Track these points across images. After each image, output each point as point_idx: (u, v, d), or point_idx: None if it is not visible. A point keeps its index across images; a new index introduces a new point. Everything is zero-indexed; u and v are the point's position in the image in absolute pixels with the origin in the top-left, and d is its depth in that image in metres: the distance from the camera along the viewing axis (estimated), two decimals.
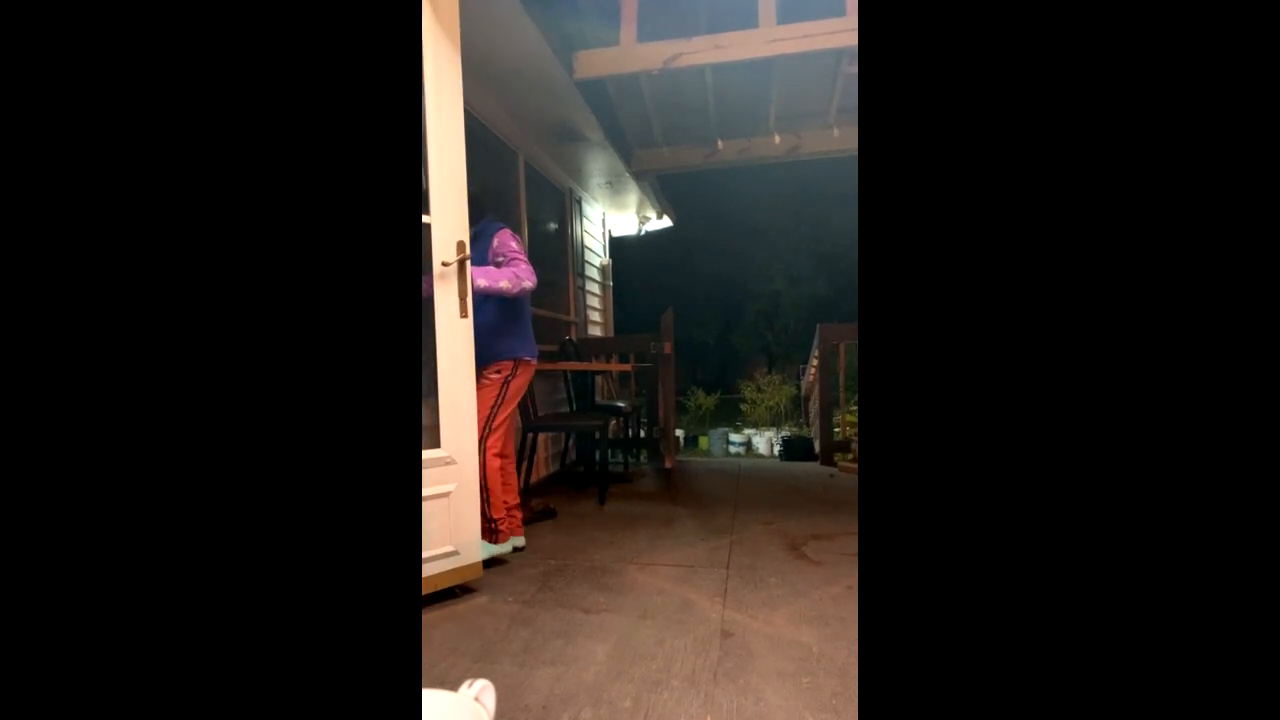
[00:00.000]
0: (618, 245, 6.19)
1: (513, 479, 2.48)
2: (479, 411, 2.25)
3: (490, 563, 2.25)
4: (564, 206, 4.62)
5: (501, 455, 2.42)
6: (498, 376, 2.30)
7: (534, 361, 2.42)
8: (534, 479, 3.54)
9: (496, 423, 2.30)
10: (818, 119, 4.15)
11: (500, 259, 2.21)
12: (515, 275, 2.18)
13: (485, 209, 2.37)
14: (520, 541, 2.41)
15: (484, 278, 2.11)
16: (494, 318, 2.33)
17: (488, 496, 2.25)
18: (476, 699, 0.88)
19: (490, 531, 2.27)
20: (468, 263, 1.95)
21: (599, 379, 4.54)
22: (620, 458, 4.32)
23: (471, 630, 1.71)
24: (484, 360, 2.31)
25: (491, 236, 2.25)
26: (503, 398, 2.31)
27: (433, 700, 0.86)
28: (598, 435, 3.24)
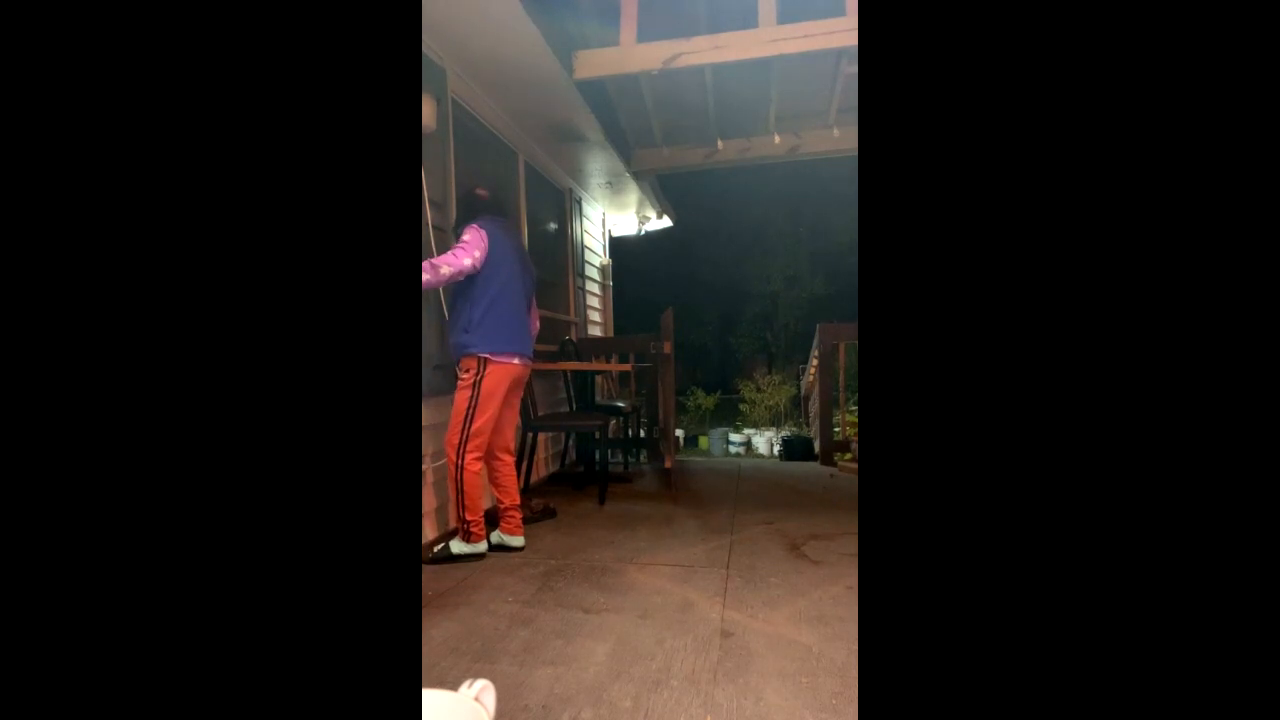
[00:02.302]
0: (618, 245, 6.18)
1: (512, 480, 2.46)
2: (455, 417, 2.26)
3: (475, 560, 2.27)
4: (564, 206, 4.62)
5: (496, 457, 2.41)
6: (468, 377, 2.26)
7: (503, 359, 2.27)
8: (534, 479, 3.54)
9: (475, 428, 2.23)
10: (818, 119, 4.15)
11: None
12: (431, 264, 2.09)
13: (477, 211, 2.34)
14: (519, 541, 2.41)
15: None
16: (451, 310, 2.33)
17: (464, 500, 2.25)
18: (476, 699, 0.88)
19: (464, 533, 2.28)
20: None
21: (599, 379, 4.54)
22: (620, 458, 4.32)
23: (471, 630, 1.71)
24: (454, 356, 2.33)
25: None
26: (475, 400, 2.23)
27: (433, 700, 0.86)
28: (598, 435, 3.24)
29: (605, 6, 3.07)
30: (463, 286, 2.27)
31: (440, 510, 2.63)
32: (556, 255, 4.50)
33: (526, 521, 2.60)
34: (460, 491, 2.24)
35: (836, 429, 4.59)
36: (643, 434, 4.52)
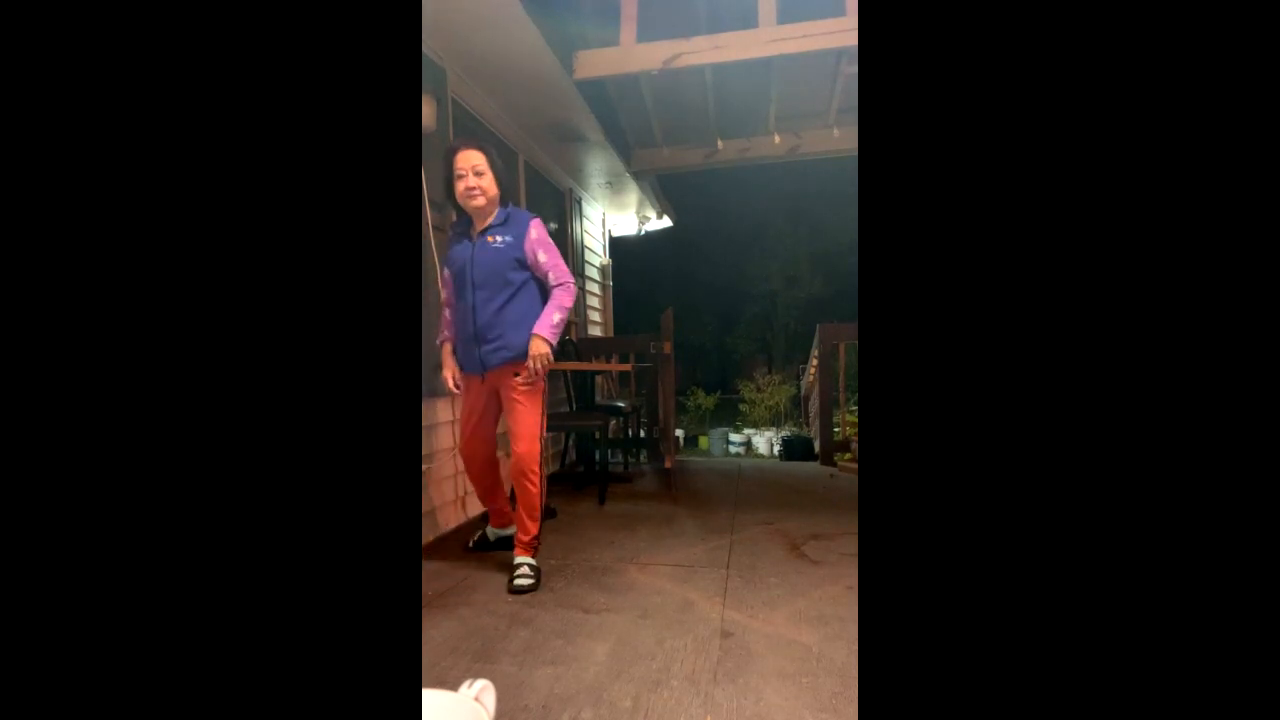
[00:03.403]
0: (618, 245, 6.18)
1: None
2: (531, 424, 2.04)
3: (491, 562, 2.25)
4: (564, 206, 4.62)
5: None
6: (536, 378, 2.05)
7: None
8: None
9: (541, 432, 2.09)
10: (818, 119, 4.15)
11: (543, 257, 2.02)
12: (564, 306, 2.01)
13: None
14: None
15: (556, 332, 1.99)
16: (525, 307, 2.04)
17: (535, 515, 2.11)
18: (476, 699, 0.88)
19: (537, 549, 2.13)
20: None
21: (599, 379, 4.54)
22: (620, 458, 4.32)
23: (471, 630, 1.71)
24: (513, 355, 2.03)
25: (526, 225, 2.03)
26: (544, 404, 2.10)
27: (433, 700, 0.86)
28: (598, 435, 3.25)
29: (605, 6, 3.07)
30: (539, 284, 2.08)
31: (435, 513, 2.63)
32: None
33: None
34: (543, 505, 2.10)
35: (836, 429, 4.59)
36: (643, 434, 4.52)
